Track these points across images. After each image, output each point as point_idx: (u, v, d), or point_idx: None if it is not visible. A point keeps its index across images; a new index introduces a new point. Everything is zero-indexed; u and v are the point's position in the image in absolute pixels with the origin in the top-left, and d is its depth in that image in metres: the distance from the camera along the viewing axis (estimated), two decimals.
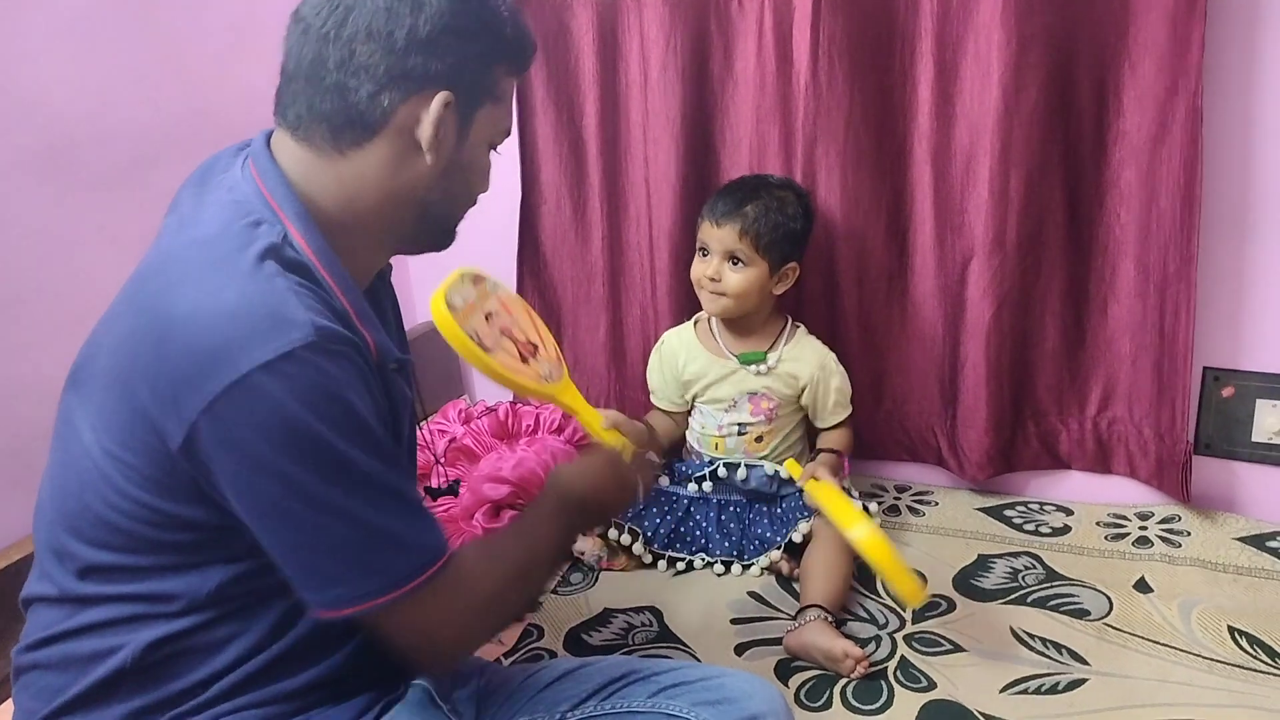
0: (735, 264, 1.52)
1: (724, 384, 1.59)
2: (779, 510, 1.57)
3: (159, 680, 0.82)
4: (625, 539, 1.53)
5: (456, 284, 0.98)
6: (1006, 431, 1.69)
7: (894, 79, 1.60)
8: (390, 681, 0.91)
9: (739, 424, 1.59)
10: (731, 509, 1.58)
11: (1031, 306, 1.63)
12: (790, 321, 1.63)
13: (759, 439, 1.60)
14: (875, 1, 1.56)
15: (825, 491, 1.35)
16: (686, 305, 1.74)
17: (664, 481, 1.60)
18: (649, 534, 1.53)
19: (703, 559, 1.54)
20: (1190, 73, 1.41)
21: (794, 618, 1.34)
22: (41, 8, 1.36)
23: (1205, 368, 1.58)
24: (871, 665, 1.25)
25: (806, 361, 1.59)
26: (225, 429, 0.72)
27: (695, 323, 1.67)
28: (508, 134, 0.94)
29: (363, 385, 0.79)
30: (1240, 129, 1.47)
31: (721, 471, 1.57)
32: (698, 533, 1.55)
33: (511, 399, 1.90)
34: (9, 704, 0.89)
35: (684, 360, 1.63)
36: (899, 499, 1.71)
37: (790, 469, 1.46)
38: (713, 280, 1.53)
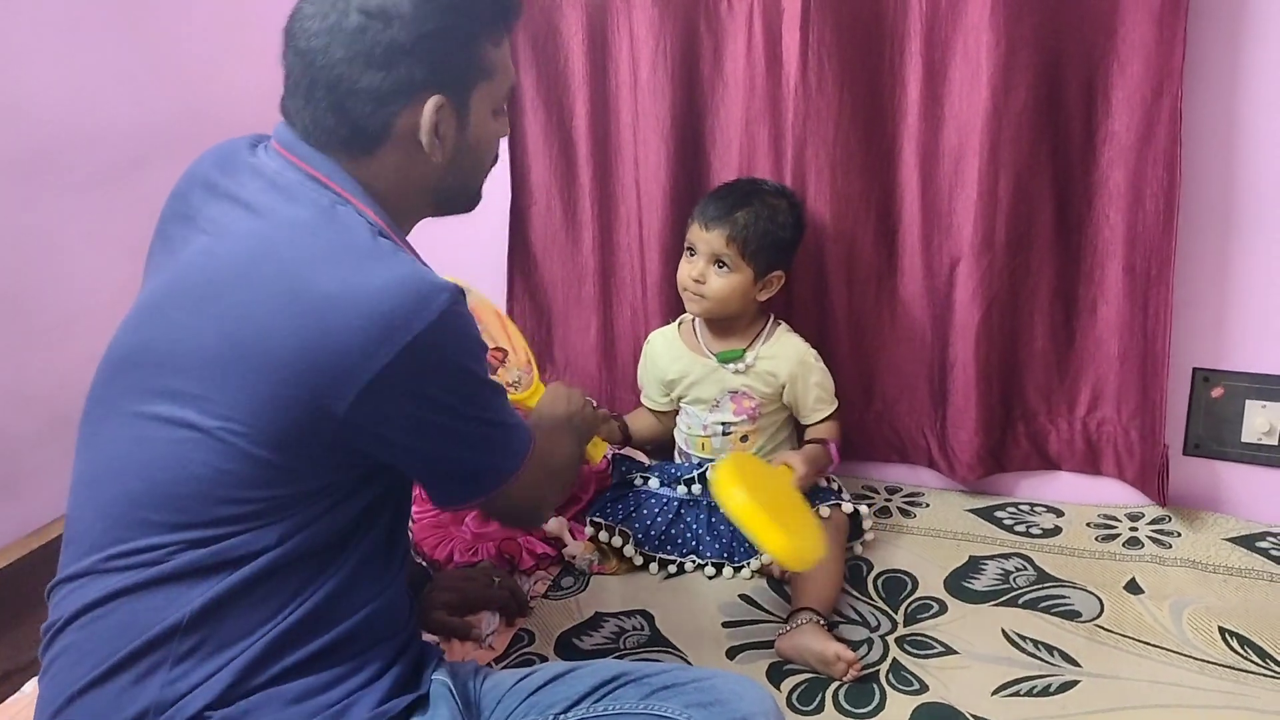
0: (720, 268, 1.52)
1: (706, 383, 1.60)
2: None
3: (208, 640, 0.85)
4: (616, 540, 1.52)
5: None
6: (996, 432, 1.69)
7: (883, 80, 1.60)
8: (400, 641, 0.98)
9: (723, 423, 1.59)
10: (722, 511, 1.57)
11: (1020, 307, 1.63)
12: (771, 320, 1.63)
13: (744, 438, 1.60)
14: (865, 3, 1.55)
15: (724, 468, 1.24)
16: (677, 306, 1.74)
17: (654, 484, 1.59)
18: (639, 535, 1.53)
19: (694, 561, 1.53)
20: (1174, 74, 1.41)
21: (785, 621, 1.34)
22: (28, 9, 1.35)
23: (1194, 368, 1.58)
24: (864, 668, 1.25)
25: (785, 358, 1.59)
26: (403, 383, 0.84)
27: (679, 323, 1.67)
28: (511, 90, 1.01)
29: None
30: (1231, 130, 1.48)
31: (710, 473, 1.57)
32: (688, 534, 1.55)
33: None
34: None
35: (667, 360, 1.64)
36: (889, 500, 1.71)
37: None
38: (696, 282, 1.53)
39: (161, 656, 0.84)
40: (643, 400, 1.71)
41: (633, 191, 1.76)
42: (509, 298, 1.91)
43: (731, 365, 1.58)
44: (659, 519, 1.55)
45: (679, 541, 1.55)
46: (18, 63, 1.34)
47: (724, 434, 1.60)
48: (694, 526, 1.55)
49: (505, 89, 0.99)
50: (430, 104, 0.90)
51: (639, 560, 1.53)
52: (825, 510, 1.48)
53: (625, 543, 1.52)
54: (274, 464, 0.85)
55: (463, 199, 1.05)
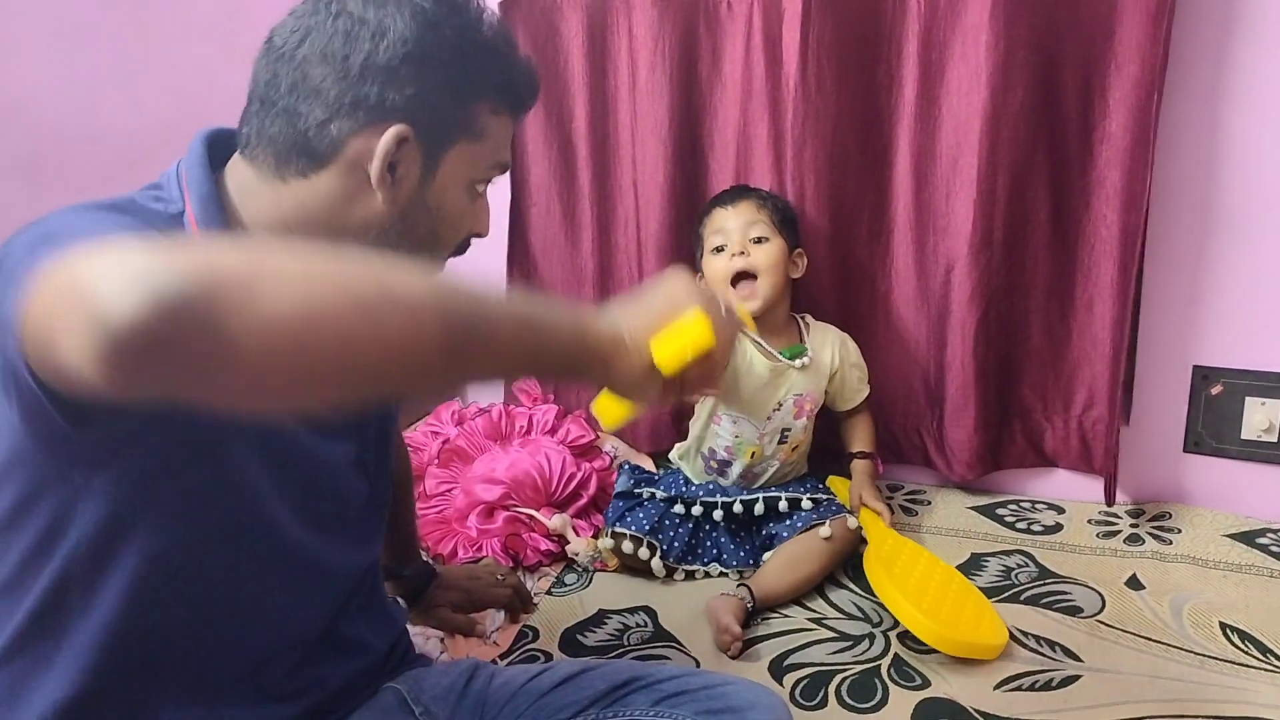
0: (757, 243, 1.51)
1: (769, 387, 1.53)
2: (797, 521, 1.50)
3: None
4: (644, 553, 1.47)
5: None
6: (993, 430, 1.70)
7: (881, 81, 1.61)
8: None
9: (784, 430, 1.55)
10: (744, 518, 1.54)
11: (1016, 306, 1.64)
12: (800, 318, 1.63)
13: (795, 447, 1.58)
14: (863, 4, 1.56)
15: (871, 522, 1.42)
16: None
17: (660, 495, 1.55)
18: (664, 548, 1.49)
19: (717, 569, 1.51)
20: (1157, 73, 1.42)
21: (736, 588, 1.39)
22: (28, 9, 1.35)
23: (1194, 366, 1.59)
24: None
25: (828, 344, 1.59)
26: None
27: None
28: (501, 170, 0.84)
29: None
30: (1230, 129, 1.48)
31: (737, 508, 1.51)
32: (709, 543, 1.53)
33: (504, 400, 1.90)
34: None
35: (749, 357, 1.53)
36: (891, 498, 1.72)
37: (834, 487, 1.46)
38: (742, 255, 1.49)
39: None
40: None
41: (631, 193, 1.77)
42: None
43: (799, 360, 1.54)
44: (681, 531, 1.51)
45: (699, 552, 1.53)
46: (18, 63, 1.34)
47: (780, 442, 1.55)
48: (717, 537, 1.53)
49: (491, 164, 0.82)
50: (391, 133, 0.75)
51: (663, 573, 1.49)
52: (826, 530, 1.46)
53: (653, 555, 1.48)
54: None
55: None
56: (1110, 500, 1.60)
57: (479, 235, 0.87)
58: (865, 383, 1.63)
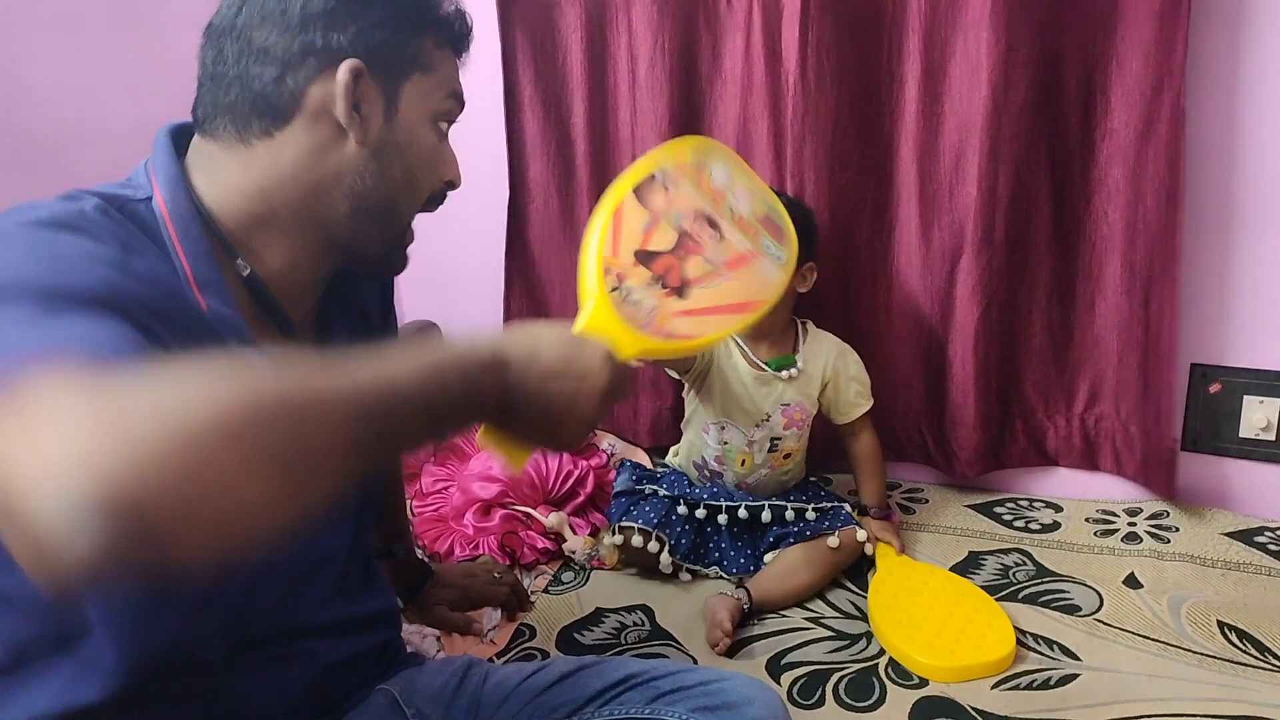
0: None
1: (756, 397, 1.52)
2: (805, 529, 1.49)
3: None
4: (653, 546, 1.46)
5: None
6: (995, 429, 1.70)
7: (882, 77, 1.60)
8: None
9: (773, 439, 1.53)
10: (748, 523, 1.53)
11: (1019, 304, 1.64)
12: (800, 322, 1.58)
13: (787, 455, 1.56)
14: (864, 0, 1.56)
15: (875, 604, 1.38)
16: None
17: (663, 492, 1.55)
18: (671, 543, 1.48)
19: (716, 572, 1.50)
20: (1175, 71, 1.42)
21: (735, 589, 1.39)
22: (29, 9, 1.35)
23: (1193, 364, 1.59)
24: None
25: (823, 355, 1.55)
26: None
27: None
28: (458, 105, 0.85)
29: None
30: (1228, 127, 1.48)
31: (742, 513, 1.50)
32: (711, 546, 1.52)
33: None
34: None
35: (736, 364, 1.52)
36: (889, 497, 1.71)
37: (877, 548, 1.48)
38: None
39: None
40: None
41: None
42: (506, 295, 1.91)
43: (785, 372, 1.52)
44: (687, 529, 1.51)
45: (701, 553, 1.52)
46: (18, 61, 1.34)
47: (770, 450, 1.54)
48: (719, 541, 1.52)
49: (445, 97, 0.83)
50: (345, 67, 0.75)
51: (670, 569, 1.48)
52: (835, 540, 1.46)
53: (662, 549, 1.47)
54: None
55: (381, 225, 0.82)
56: (1171, 494, 1.59)
57: (452, 183, 0.86)
58: (865, 397, 1.58)
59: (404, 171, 0.81)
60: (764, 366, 1.52)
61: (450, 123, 0.85)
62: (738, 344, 1.52)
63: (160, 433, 0.44)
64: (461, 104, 0.86)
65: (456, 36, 0.84)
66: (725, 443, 1.55)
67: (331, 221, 0.80)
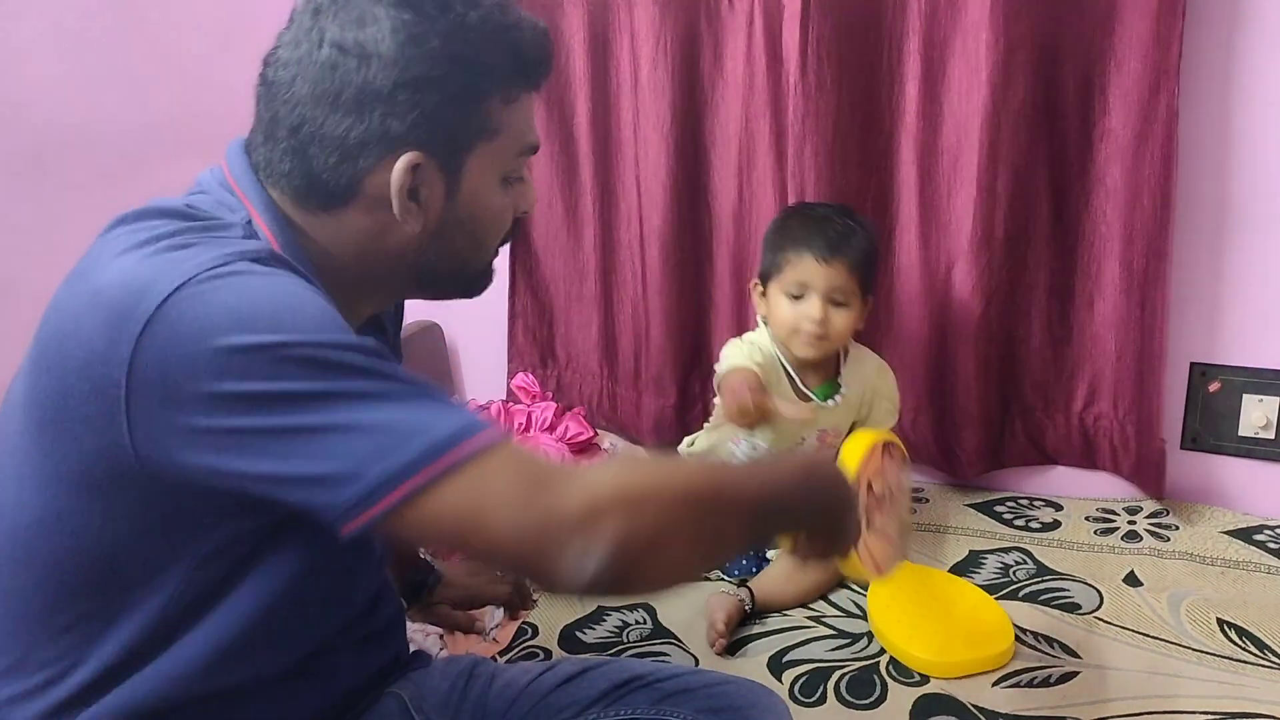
0: (837, 306, 1.40)
1: (802, 424, 1.45)
2: None
3: None
4: None
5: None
6: (995, 428, 1.70)
7: (882, 78, 1.61)
8: None
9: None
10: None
11: (1018, 304, 1.64)
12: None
13: None
14: (864, 1, 1.56)
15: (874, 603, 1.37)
16: (678, 304, 1.75)
17: None
18: None
19: (717, 575, 1.50)
20: (1171, 70, 1.42)
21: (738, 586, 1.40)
22: (29, 9, 1.35)
23: (1192, 363, 1.59)
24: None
25: (865, 375, 1.52)
26: (164, 391, 0.62)
27: (759, 351, 1.45)
28: (531, 152, 0.82)
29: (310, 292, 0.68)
30: (1227, 127, 1.49)
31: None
32: None
33: (504, 398, 1.90)
34: None
35: (785, 392, 1.47)
36: None
37: (848, 450, 1.43)
38: (819, 323, 1.39)
39: None
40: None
41: (633, 189, 1.77)
42: (511, 294, 1.92)
43: (831, 400, 1.48)
44: None
45: None
46: (18, 62, 1.35)
47: None
48: None
49: (517, 151, 0.80)
50: (402, 162, 0.72)
51: None
52: None
53: None
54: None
55: (461, 279, 0.84)
56: (1160, 494, 1.59)
57: (525, 214, 0.85)
58: (892, 414, 1.55)
59: (468, 240, 0.81)
60: (811, 395, 1.48)
61: (525, 168, 0.83)
62: (788, 372, 1.48)
63: (656, 500, 0.63)
64: (534, 150, 0.82)
65: (531, 78, 0.80)
66: (750, 452, 1.53)
67: (394, 281, 0.81)
